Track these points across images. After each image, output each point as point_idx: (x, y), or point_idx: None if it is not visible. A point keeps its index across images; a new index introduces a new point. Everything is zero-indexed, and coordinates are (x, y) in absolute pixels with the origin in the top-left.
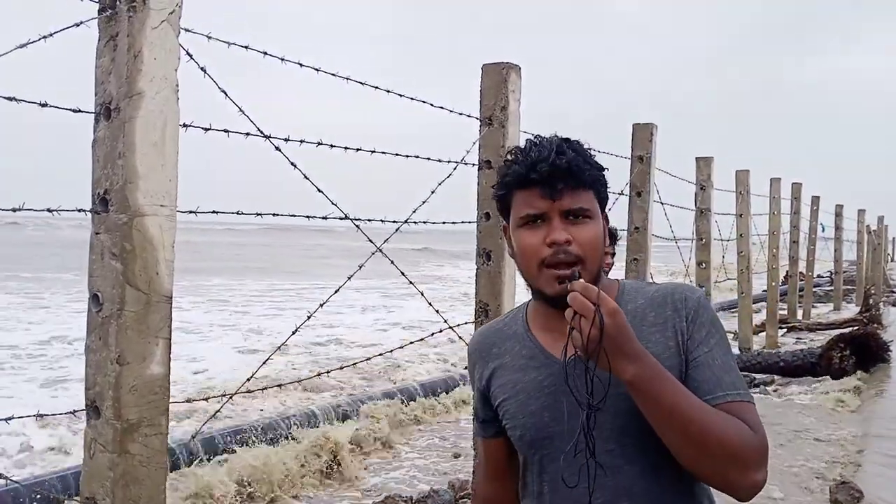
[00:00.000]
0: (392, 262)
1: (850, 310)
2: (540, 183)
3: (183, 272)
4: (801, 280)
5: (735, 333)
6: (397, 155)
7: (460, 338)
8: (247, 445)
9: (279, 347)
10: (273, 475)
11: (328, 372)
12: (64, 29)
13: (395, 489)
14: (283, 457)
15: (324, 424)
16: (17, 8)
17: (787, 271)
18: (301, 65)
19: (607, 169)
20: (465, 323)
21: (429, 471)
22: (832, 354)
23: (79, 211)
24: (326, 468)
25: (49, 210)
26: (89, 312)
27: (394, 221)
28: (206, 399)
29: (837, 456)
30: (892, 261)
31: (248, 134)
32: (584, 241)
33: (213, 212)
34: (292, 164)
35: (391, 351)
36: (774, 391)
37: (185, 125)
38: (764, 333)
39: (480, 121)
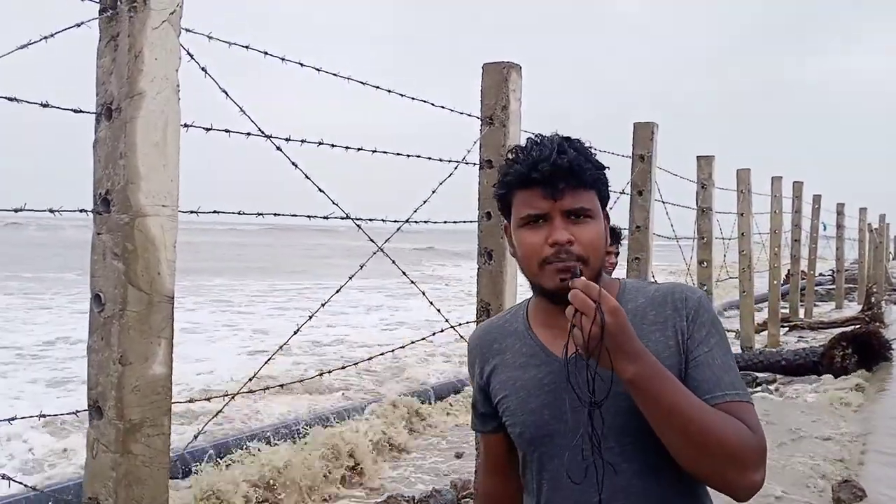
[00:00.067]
0: (393, 262)
1: (852, 308)
2: (541, 182)
3: (184, 272)
4: (803, 279)
5: (737, 332)
6: (398, 154)
7: (462, 337)
8: (254, 449)
9: (280, 347)
10: (297, 479)
11: (329, 371)
12: (65, 29)
13: (396, 489)
14: (302, 459)
15: (336, 425)
16: (18, 8)
17: (788, 270)
18: (302, 65)
19: (608, 168)
20: (467, 322)
21: (431, 471)
22: (834, 353)
23: (80, 211)
24: (349, 470)
25: (51, 210)
26: (91, 313)
27: (395, 221)
28: (208, 399)
29: (840, 454)
30: (893, 259)
31: (249, 134)
32: (586, 241)
33: (215, 212)
34: (293, 164)
35: (392, 350)
36: (776, 390)
37: (186, 125)
38: (766, 332)
39: (481, 120)
